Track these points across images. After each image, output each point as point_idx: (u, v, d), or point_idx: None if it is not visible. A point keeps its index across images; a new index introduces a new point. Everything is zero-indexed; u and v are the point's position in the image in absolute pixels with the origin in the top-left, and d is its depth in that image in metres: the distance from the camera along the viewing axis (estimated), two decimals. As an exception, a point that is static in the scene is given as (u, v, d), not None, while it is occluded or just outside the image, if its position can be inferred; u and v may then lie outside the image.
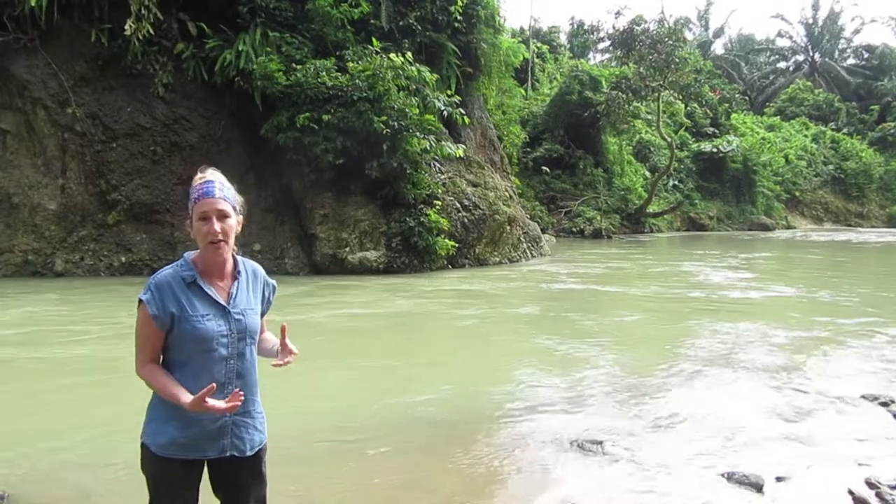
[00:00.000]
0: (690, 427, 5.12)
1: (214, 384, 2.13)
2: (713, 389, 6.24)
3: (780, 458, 4.47)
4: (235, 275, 2.36)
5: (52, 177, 14.36)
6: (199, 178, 2.30)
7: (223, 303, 2.28)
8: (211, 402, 2.11)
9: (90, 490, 3.95)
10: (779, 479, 4.12)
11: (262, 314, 2.46)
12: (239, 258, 2.40)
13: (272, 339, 2.51)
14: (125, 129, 14.58)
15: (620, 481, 4.12)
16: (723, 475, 4.14)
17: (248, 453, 2.36)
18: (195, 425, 2.24)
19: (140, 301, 2.22)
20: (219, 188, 2.26)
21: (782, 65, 71.81)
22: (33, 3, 13.04)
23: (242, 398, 2.19)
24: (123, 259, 14.45)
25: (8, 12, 13.30)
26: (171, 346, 2.25)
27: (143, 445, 2.30)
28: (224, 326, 2.26)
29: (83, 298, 11.39)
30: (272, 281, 2.51)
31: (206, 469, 2.38)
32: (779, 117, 56.84)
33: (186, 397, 2.14)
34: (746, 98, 58.08)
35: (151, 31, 14.03)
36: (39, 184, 14.31)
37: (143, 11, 13.79)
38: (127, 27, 13.57)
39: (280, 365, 2.36)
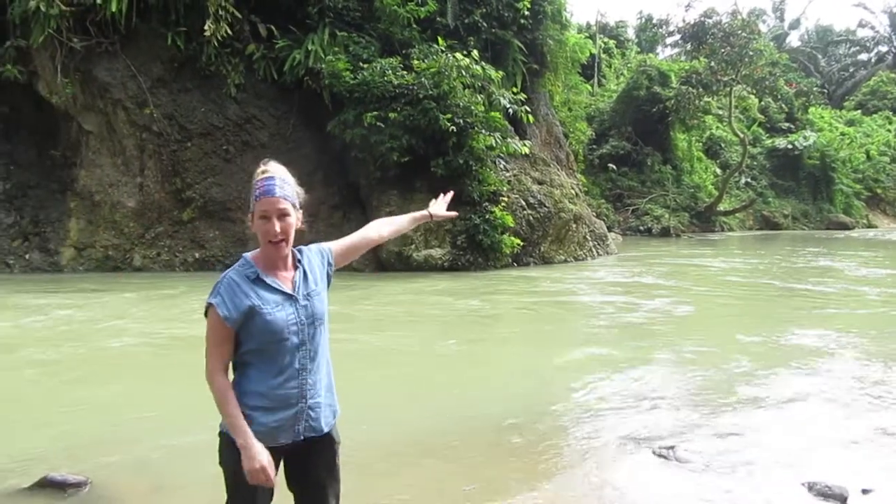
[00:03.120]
0: (771, 433, 4.92)
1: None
2: (799, 393, 5.97)
3: (866, 469, 4.25)
4: (296, 264, 2.39)
5: (130, 175, 14.93)
6: (260, 172, 2.31)
7: (289, 292, 2.31)
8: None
9: (170, 482, 4.05)
10: (865, 492, 3.90)
11: (329, 281, 2.51)
12: (298, 249, 2.43)
13: (389, 222, 2.80)
14: (199, 128, 15.05)
15: (694, 489, 3.98)
16: (805, 485, 3.96)
17: (325, 429, 2.38)
18: (273, 413, 2.27)
19: (210, 305, 2.25)
20: (279, 186, 2.27)
21: (863, 56, 68.49)
22: (114, 9, 13.57)
23: None
24: (197, 255, 14.91)
25: (90, 17, 13.88)
26: (244, 341, 2.28)
27: (221, 435, 2.32)
28: (293, 315, 2.29)
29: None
30: (325, 247, 2.54)
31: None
32: (859, 111, 54.25)
33: (246, 441, 2.21)
34: (824, 92, 55.74)
35: (229, 32, 14.42)
36: (119, 182, 14.90)
37: (220, 12, 14.19)
38: (206, 27, 13.99)
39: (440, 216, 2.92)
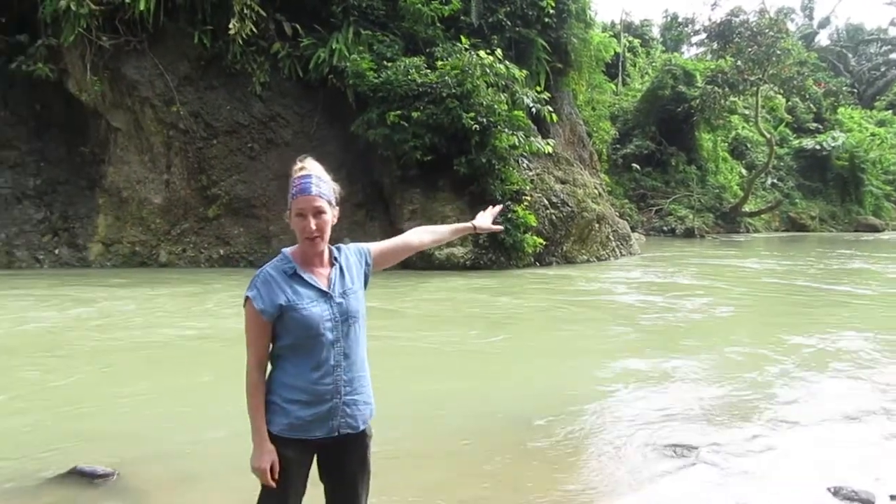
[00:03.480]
0: (801, 438, 4.87)
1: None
2: (834, 398, 5.89)
3: (894, 475, 4.19)
4: (332, 261, 2.43)
5: (157, 172, 15.14)
6: (297, 170, 2.36)
7: (325, 288, 2.35)
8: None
9: (196, 474, 4.11)
10: (893, 498, 3.84)
11: (366, 281, 2.54)
12: (337, 247, 2.48)
13: (431, 231, 2.81)
14: (225, 126, 15.21)
15: (716, 492, 3.95)
16: (830, 490, 3.91)
17: (361, 427, 2.42)
18: (308, 408, 2.31)
19: (246, 298, 2.32)
20: (315, 184, 2.31)
21: (895, 55, 67.35)
22: (142, 7, 13.77)
23: None
24: (222, 252, 15.07)
25: (119, 16, 14.11)
26: (280, 335, 2.33)
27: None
28: (328, 311, 2.33)
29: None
30: (364, 247, 2.59)
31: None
32: (891, 111, 53.33)
33: (261, 440, 2.29)
34: (854, 91, 54.74)
35: (254, 30, 14.57)
36: (146, 179, 15.11)
37: (245, 11, 14.34)
38: (231, 26, 14.15)
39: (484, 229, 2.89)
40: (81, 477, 3.94)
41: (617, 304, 11.25)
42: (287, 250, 2.41)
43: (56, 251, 14.76)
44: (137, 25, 14.35)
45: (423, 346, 7.96)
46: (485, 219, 2.93)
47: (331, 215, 2.36)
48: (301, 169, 2.35)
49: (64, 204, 15.10)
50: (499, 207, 3.04)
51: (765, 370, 6.77)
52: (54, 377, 6.36)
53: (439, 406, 5.60)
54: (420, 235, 2.76)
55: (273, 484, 2.28)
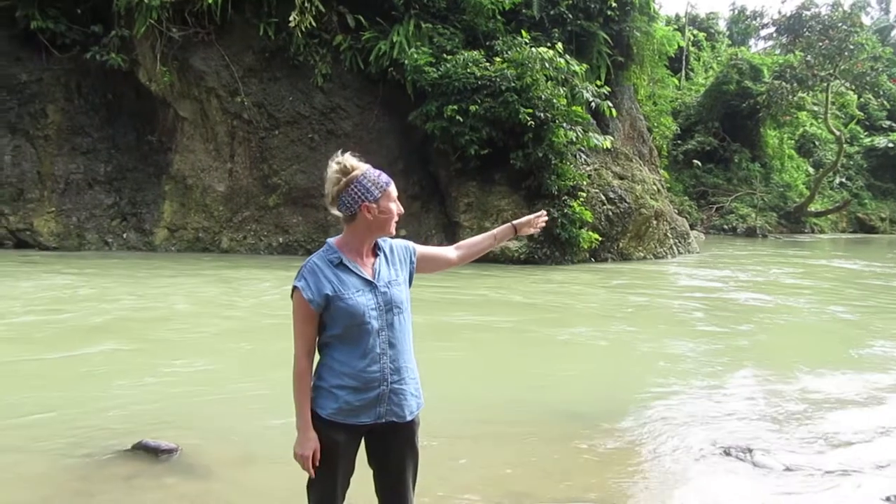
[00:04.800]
0: (857, 443, 4.74)
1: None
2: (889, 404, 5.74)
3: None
4: (376, 252, 2.51)
5: (221, 161, 15.55)
6: (367, 167, 2.43)
7: (369, 278, 2.43)
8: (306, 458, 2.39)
9: (258, 455, 4.23)
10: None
11: (410, 278, 2.60)
12: (382, 238, 2.54)
13: (469, 245, 2.84)
14: (287, 117, 15.51)
15: (762, 496, 3.89)
16: (889, 500, 3.81)
17: (408, 418, 2.47)
18: (356, 394, 2.39)
19: (294, 288, 2.39)
20: None
21: (978, 51, 64.06)
22: (210, 0, 14.14)
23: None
24: (281, 240, 15.41)
25: (188, 8, 14.55)
26: (327, 324, 2.41)
27: (310, 411, 2.44)
28: (372, 300, 2.40)
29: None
30: (411, 245, 2.65)
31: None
32: (971, 110, 50.83)
33: (305, 427, 2.39)
34: (932, 88, 52.40)
35: (314, 23, 14.81)
36: (210, 167, 15.54)
37: (306, 4, 14.59)
38: (291, 19, 14.41)
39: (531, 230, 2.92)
40: (147, 451, 4.12)
41: (734, 303, 11.04)
42: (332, 241, 2.47)
43: (124, 235, 15.33)
44: (205, 17, 14.77)
45: (563, 338, 8.04)
46: (527, 224, 2.94)
47: None
48: (369, 167, 2.42)
49: (132, 190, 15.66)
50: (543, 213, 3.06)
51: (873, 373, 6.58)
52: (134, 356, 6.61)
53: (511, 396, 5.62)
54: (459, 251, 2.80)
55: (312, 472, 2.37)
